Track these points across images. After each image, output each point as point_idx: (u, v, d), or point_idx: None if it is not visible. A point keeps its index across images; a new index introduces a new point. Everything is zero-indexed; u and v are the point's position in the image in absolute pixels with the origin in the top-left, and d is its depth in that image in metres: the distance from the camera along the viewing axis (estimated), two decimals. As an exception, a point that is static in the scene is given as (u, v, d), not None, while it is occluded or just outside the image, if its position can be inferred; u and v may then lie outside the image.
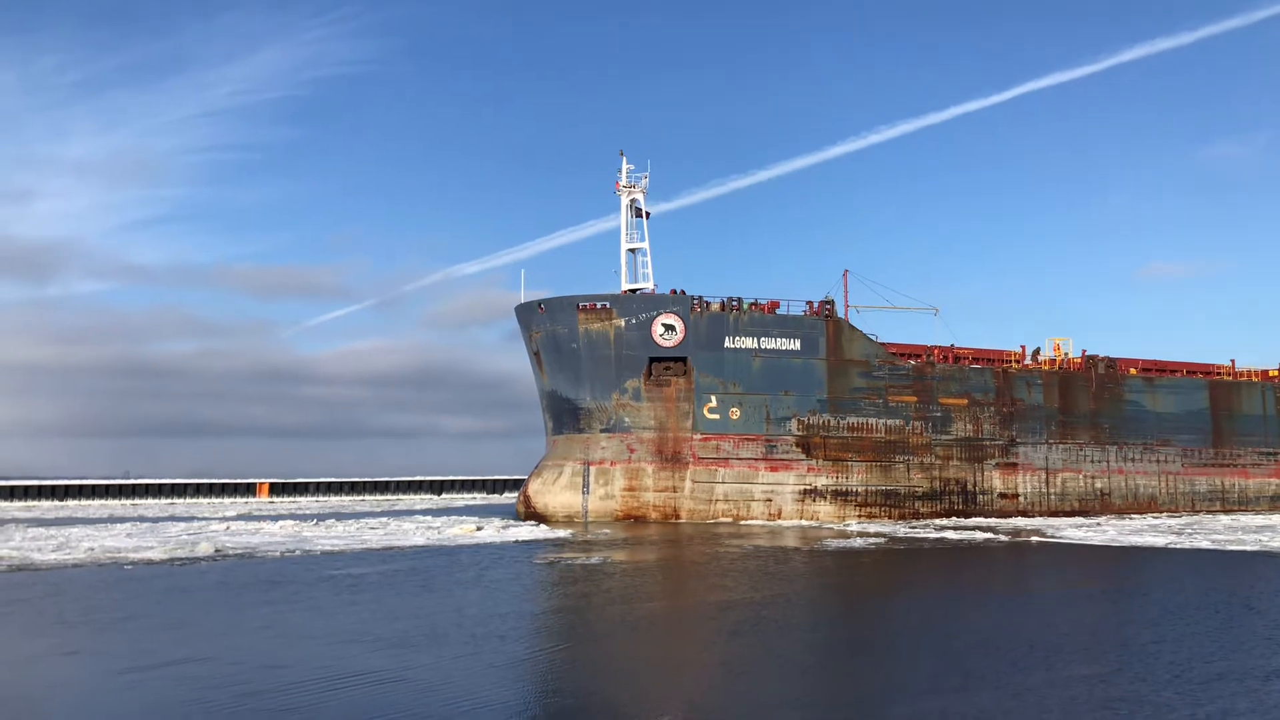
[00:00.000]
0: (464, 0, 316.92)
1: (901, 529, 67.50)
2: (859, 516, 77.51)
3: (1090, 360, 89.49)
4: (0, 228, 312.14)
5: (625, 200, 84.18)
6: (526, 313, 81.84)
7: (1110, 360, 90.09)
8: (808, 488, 77.23)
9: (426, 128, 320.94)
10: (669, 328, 76.40)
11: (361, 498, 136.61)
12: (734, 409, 76.40)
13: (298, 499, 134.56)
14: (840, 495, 77.89)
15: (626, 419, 77.09)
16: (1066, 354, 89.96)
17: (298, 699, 19.11)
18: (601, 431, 77.78)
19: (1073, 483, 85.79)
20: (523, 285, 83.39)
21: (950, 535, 61.59)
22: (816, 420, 77.87)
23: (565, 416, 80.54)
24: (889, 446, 79.61)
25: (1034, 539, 59.23)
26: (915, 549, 53.10)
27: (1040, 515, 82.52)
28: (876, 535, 61.36)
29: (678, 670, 22.50)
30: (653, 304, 77.05)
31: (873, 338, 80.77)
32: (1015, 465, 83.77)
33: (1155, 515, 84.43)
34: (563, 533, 63.33)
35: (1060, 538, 60.06)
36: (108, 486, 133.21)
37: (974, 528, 68.60)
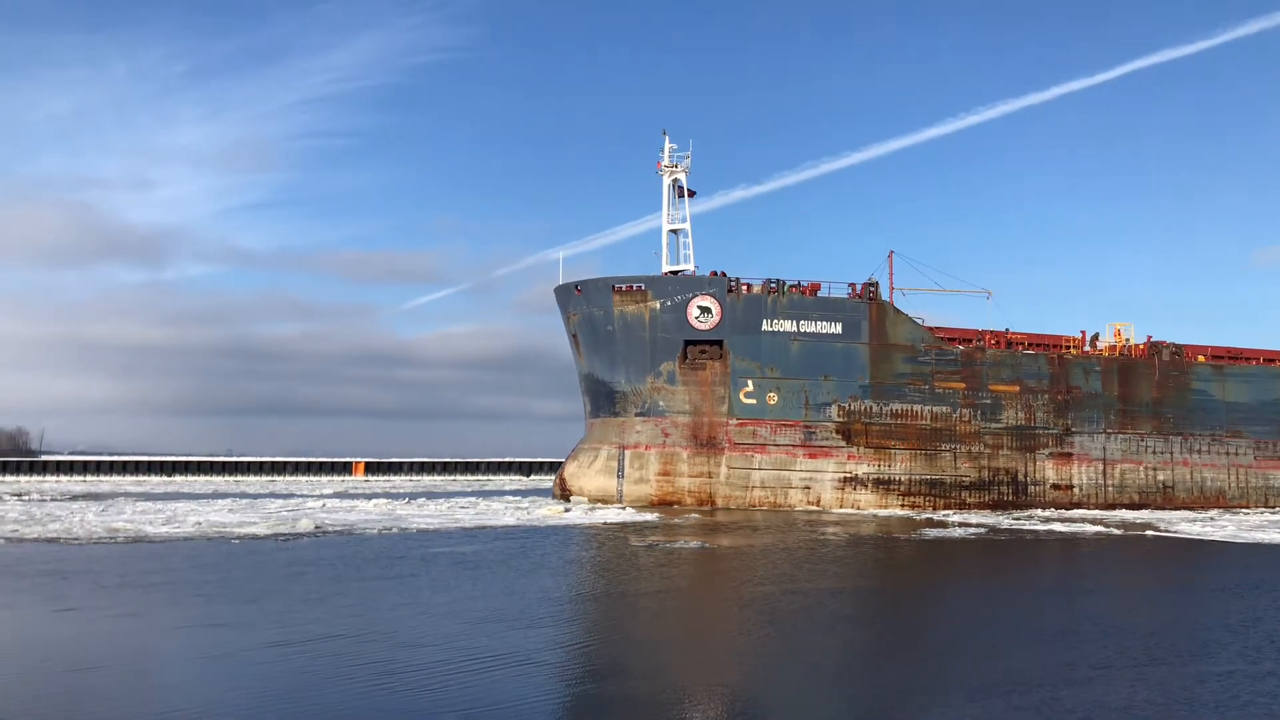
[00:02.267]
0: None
1: (1005, 520, 64.79)
2: (901, 506, 74.99)
3: (1154, 347, 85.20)
4: (120, 214, 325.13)
5: (667, 180, 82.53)
6: (564, 295, 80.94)
7: (1176, 347, 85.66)
8: (848, 475, 74.95)
9: (519, 113, 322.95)
10: (705, 310, 74.71)
11: (453, 478, 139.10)
12: (771, 394, 74.46)
13: (391, 478, 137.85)
14: (882, 484, 75.45)
15: (661, 403, 75.72)
16: (1128, 340, 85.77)
17: (438, 679, 18.88)
18: (636, 415, 76.57)
19: (1132, 474, 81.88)
20: (561, 268, 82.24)
21: (1058, 528, 58.96)
22: (858, 406, 75.47)
23: (601, 399, 79.56)
24: (934, 434, 76.83)
25: (1148, 533, 56.82)
26: (1029, 540, 51.46)
27: (1096, 508, 78.90)
28: (978, 526, 59.57)
29: (821, 654, 22.26)
30: (688, 286, 75.42)
31: (919, 321, 78.00)
32: (1070, 455, 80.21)
33: (1233, 511, 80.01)
34: (648, 516, 63.84)
35: (1176, 532, 57.58)
36: (212, 463, 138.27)
37: (1079, 520, 65.84)
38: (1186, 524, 64.10)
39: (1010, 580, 37.79)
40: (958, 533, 54.95)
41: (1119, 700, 17.66)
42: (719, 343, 74.85)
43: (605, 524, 57.37)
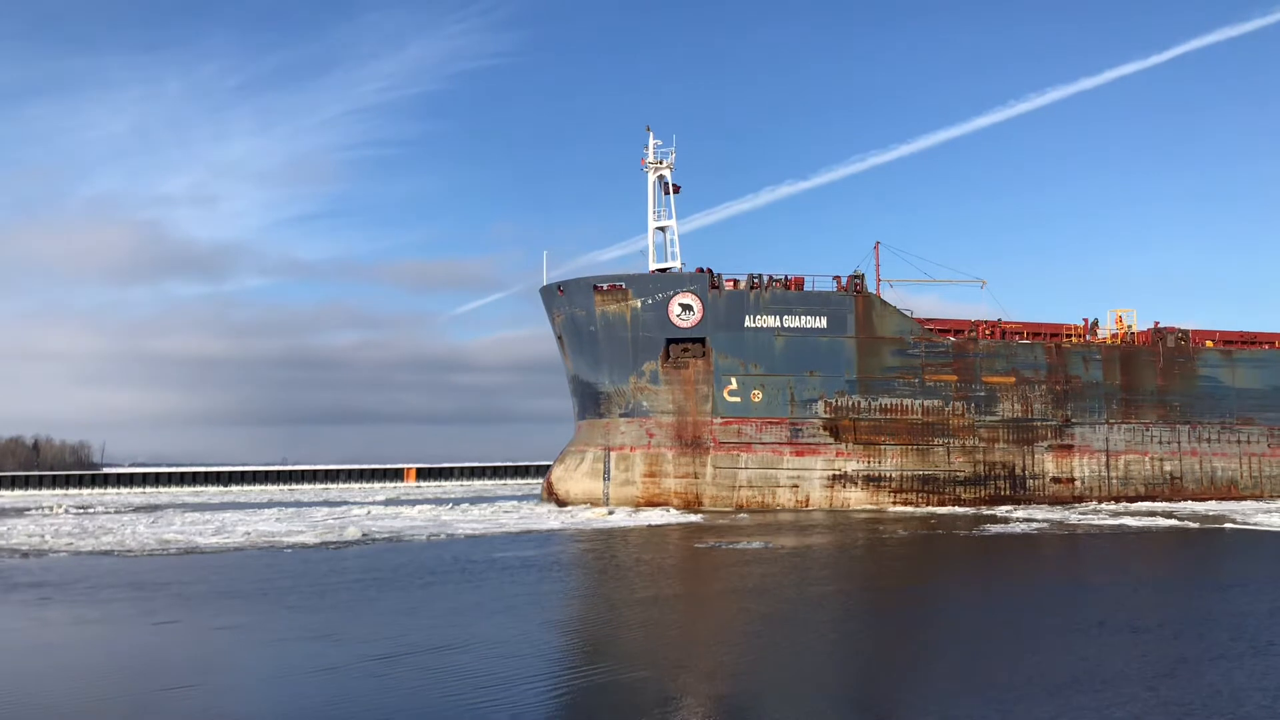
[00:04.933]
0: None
1: (1073, 515, 62.92)
2: (893, 502, 73.12)
3: (1159, 333, 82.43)
4: (183, 230, 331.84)
5: (652, 177, 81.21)
6: (548, 296, 79.97)
7: (1183, 332, 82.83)
8: (837, 473, 73.22)
9: (567, 116, 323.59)
10: (686, 307, 73.37)
11: (504, 481, 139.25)
12: (755, 391, 72.95)
13: (443, 483, 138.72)
14: (873, 481, 73.63)
15: (645, 403, 74.50)
16: (1130, 327, 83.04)
17: (559, 688, 18.82)
18: (620, 416, 75.42)
19: (1137, 466, 79.26)
20: (544, 267, 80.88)
21: (1130, 522, 57.03)
22: (845, 402, 73.71)
23: (587, 401, 78.51)
24: (926, 429, 74.83)
25: (1227, 525, 55.23)
26: (1108, 535, 50.21)
27: (1100, 501, 76.46)
28: (1042, 521, 58.16)
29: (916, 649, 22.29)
30: (669, 283, 74.12)
31: (908, 313, 76.02)
32: (1071, 447, 77.78)
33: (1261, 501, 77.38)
34: (693, 517, 63.75)
35: (1256, 524, 55.71)
36: (267, 472, 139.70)
37: (1147, 513, 63.99)
38: (1264, 515, 62.25)
39: (1122, 576, 36.50)
40: (1020, 528, 53.70)
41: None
42: (701, 340, 73.46)
43: (649, 525, 57.57)
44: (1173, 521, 57.28)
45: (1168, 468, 79.99)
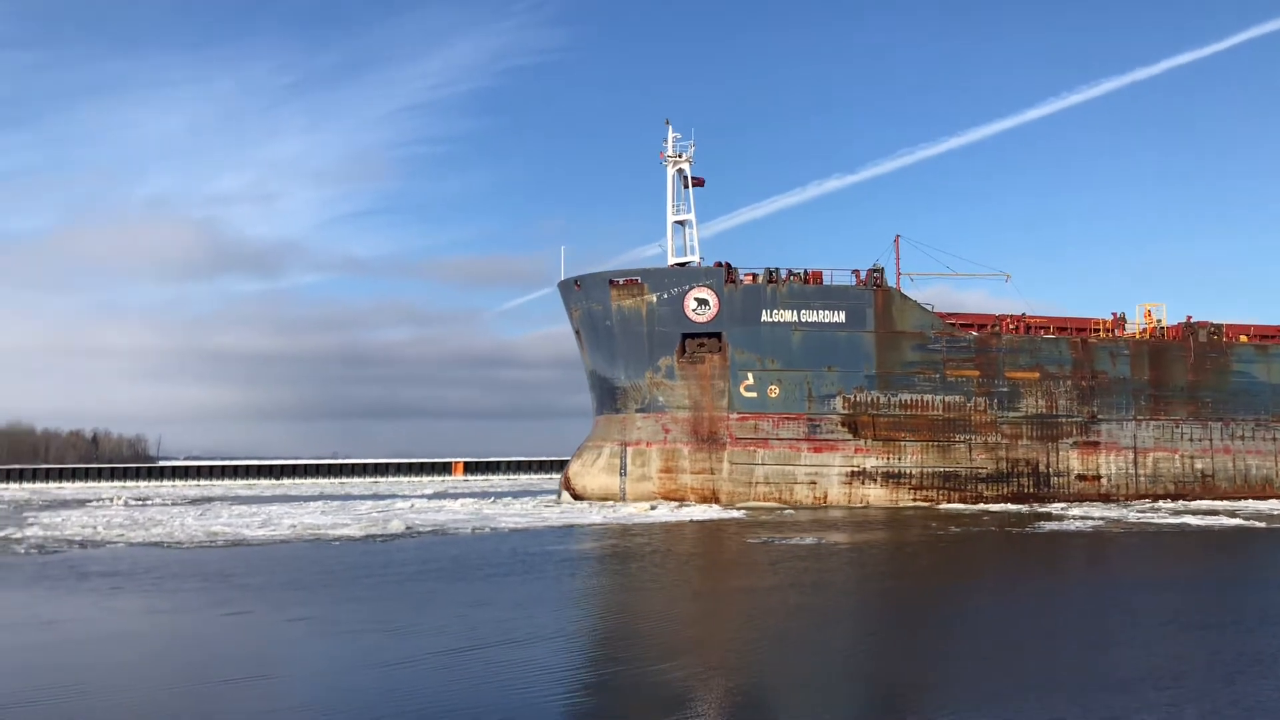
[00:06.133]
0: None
1: (1131, 514, 61.42)
2: (914, 500, 72.03)
3: (1190, 327, 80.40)
4: (240, 228, 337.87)
5: (671, 171, 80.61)
6: (566, 290, 79.71)
7: (1215, 327, 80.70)
8: (856, 469, 72.22)
9: (614, 112, 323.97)
10: (702, 302, 72.71)
11: (549, 475, 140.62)
12: (772, 386, 72.12)
13: (490, 476, 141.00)
14: (892, 478, 72.53)
15: (661, 398, 73.99)
16: (1159, 321, 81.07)
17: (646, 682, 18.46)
18: (637, 411, 74.98)
19: (1166, 463, 77.39)
20: (562, 261, 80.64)
21: (1191, 521, 55.52)
22: (864, 397, 72.65)
23: (605, 396, 78.19)
24: (947, 425, 73.55)
25: None
26: (1171, 534, 48.97)
27: (1127, 499, 74.80)
28: (1099, 519, 57.06)
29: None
30: (685, 277, 73.51)
31: (929, 307, 74.77)
32: (1097, 444, 76.11)
33: None
34: (736, 513, 63.07)
35: None
36: (318, 466, 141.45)
37: (1208, 511, 62.47)
38: None
39: (1191, 574, 36.08)
40: (1075, 525, 52.83)
41: None
42: (717, 335, 72.78)
43: (692, 521, 57.31)
44: (1238, 520, 55.48)
45: (1199, 465, 78.03)
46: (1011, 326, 77.10)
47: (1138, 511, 63.45)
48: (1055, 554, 41.93)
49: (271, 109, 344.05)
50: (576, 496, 75.61)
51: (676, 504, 69.28)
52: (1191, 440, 78.03)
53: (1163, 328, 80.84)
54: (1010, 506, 69.20)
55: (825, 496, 71.60)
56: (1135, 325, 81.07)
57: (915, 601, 29.08)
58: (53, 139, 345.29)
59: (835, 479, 71.97)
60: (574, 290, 78.10)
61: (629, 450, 74.73)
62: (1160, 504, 70.73)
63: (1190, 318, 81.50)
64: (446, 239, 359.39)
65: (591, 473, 76.39)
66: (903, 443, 72.79)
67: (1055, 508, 67.19)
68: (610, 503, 71.87)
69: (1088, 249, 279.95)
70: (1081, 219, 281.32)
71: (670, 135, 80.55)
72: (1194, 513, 61.48)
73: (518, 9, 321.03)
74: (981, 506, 69.24)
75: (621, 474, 74.81)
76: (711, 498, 71.87)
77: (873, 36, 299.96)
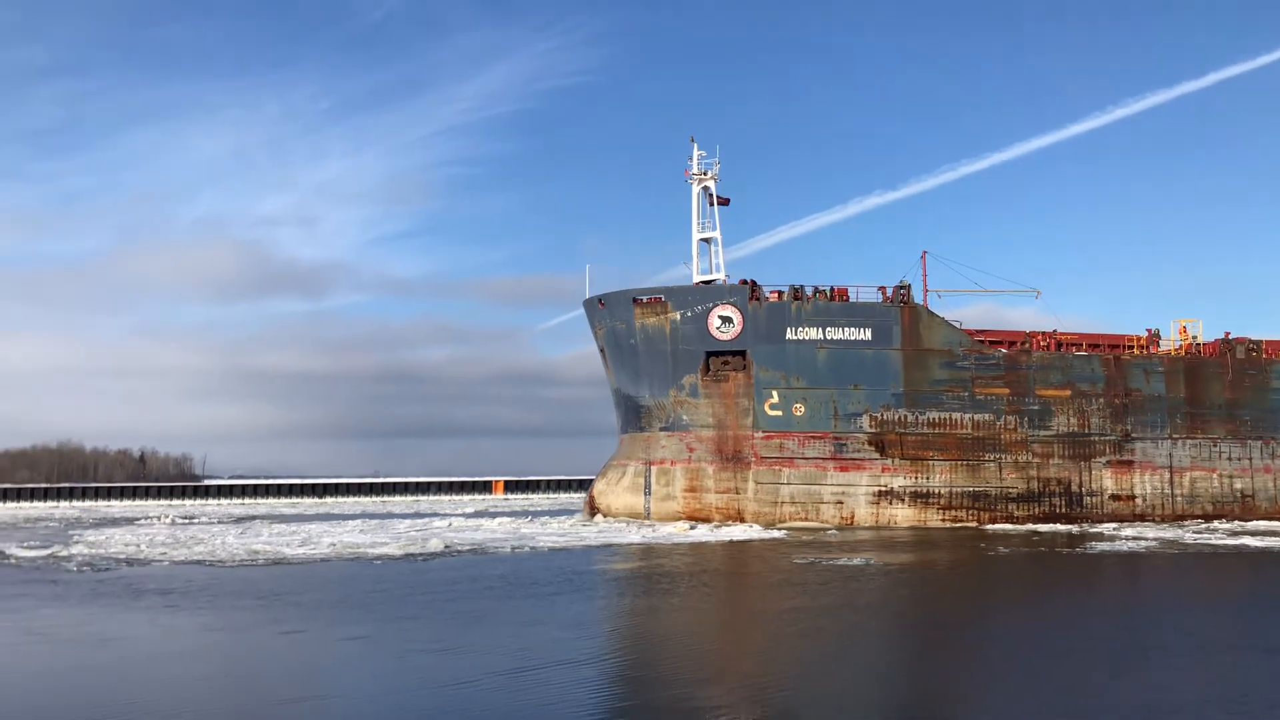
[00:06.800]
0: (681, 2, 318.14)
1: (1187, 534, 60.39)
2: (942, 520, 70.90)
3: (1228, 344, 78.60)
4: (285, 249, 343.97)
5: (696, 189, 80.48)
6: (590, 308, 79.74)
7: (1254, 343, 78.83)
8: (883, 489, 71.28)
9: (651, 132, 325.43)
10: (726, 320, 72.34)
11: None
12: (797, 405, 71.48)
13: (530, 495, 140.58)
14: (920, 497, 71.49)
15: (685, 417, 73.62)
16: (1195, 337, 79.34)
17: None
18: (661, 430, 74.68)
19: (1204, 483, 75.58)
20: (587, 280, 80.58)
21: (1251, 542, 54.35)
22: (891, 416, 71.76)
23: (629, 414, 77.98)
24: (976, 444, 72.39)
25: None
26: (1229, 555, 48.11)
27: (1162, 519, 73.12)
28: (1153, 539, 56.22)
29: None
30: (708, 295, 73.21)
31: (957, 324, 73.80)
32: (1131, 463, 74.52)
33: None
34: (776, 533, 62.80)
35: None
36: (360, 485, 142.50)
37: (1267, 532, 61.48)
38: None
39: (1255, 597, 35.36)
40: (1127, 546, 52.06)
41: None
42: (742, 353, 72.34)
43: (731, 541, 56.89)
44: None
45: (1238, 485, 76.11)
46: (1042, 344, 75.88)
47: (1194, 532, 61.96)
48: (1110, 576, 41.16)
49: (314, 132, 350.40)
50: (602, 515, 75.36)
51: (714, 524, 68.71)
52: (1230, 459, 76.18)
53: (1199, 344, 79.15)
54: (1043, 526, 67.97)
55: (852, 517, 70.71)
56: (1170, 342, 79.48)
57: (977, 622, 28.60)
58: (105, 163, 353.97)
59: (862, 499, 71.08)
60: (598, 309, 78.10)
61: (653, 469, 74.41)
62: (1215, 524, 69.15)
63: (1228, 334, 79.89)
64: (485, 259, 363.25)
65: (616, 491, 76.14)
66: (931, 462, 71.77)
67: (1106, 528, 65.88)
68: (649, 521, 71.47)
69: (1121, 266, 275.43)
70: (1116, 235, 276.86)
71: (695, 153, 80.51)
72: (1251, 533, 59.94)
73: (553, 31, 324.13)
74: (1030, 527, 68.02)
75: (646, 493, 74.49)
76: (736, 517, 71.25)
77: (904, 54, 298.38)
